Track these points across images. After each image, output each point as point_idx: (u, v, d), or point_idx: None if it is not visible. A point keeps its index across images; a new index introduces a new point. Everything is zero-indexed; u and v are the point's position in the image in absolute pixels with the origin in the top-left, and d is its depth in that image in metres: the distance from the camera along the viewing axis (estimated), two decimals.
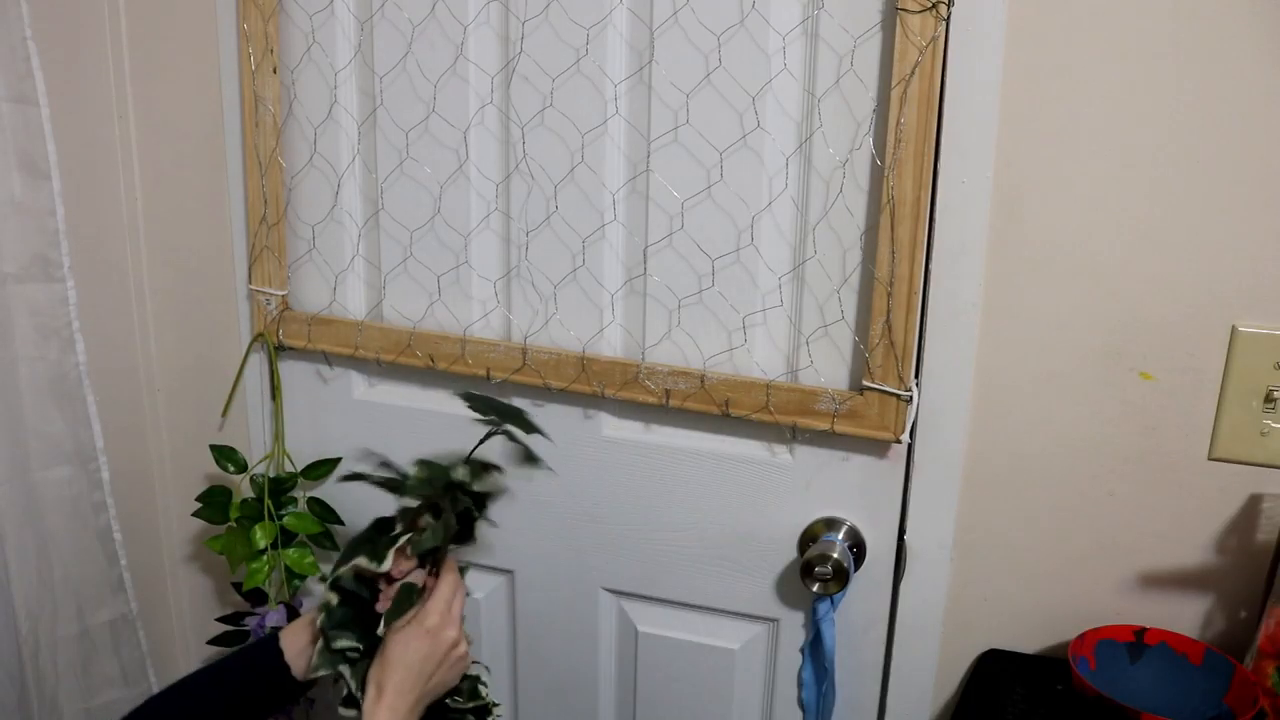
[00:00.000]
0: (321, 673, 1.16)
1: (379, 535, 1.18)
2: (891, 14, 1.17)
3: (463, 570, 1.24)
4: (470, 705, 1.24)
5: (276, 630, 1.21)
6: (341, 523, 1.58)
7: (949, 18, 1.15)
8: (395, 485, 1.19)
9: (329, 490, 1.61)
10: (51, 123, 1.47)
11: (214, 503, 1.58)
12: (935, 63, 1.16)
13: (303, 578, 1.59)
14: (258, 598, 1.59)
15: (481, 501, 1.22)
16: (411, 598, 1.16)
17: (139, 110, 1.61)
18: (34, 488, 1.50)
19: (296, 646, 1.19)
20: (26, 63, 1.43)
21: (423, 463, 1.20)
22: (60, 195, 1.49)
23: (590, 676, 1.58)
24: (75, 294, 1.53)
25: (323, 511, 1.59)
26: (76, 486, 1.57)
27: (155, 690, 1.70)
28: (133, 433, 1.70)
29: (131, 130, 1.61)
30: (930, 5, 1.14)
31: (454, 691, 1.22)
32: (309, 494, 1.61)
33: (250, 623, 1.59)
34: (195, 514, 1.58)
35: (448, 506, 1.18)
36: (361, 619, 1.17)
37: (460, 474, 1.20)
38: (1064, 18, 1.17)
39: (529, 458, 1.24)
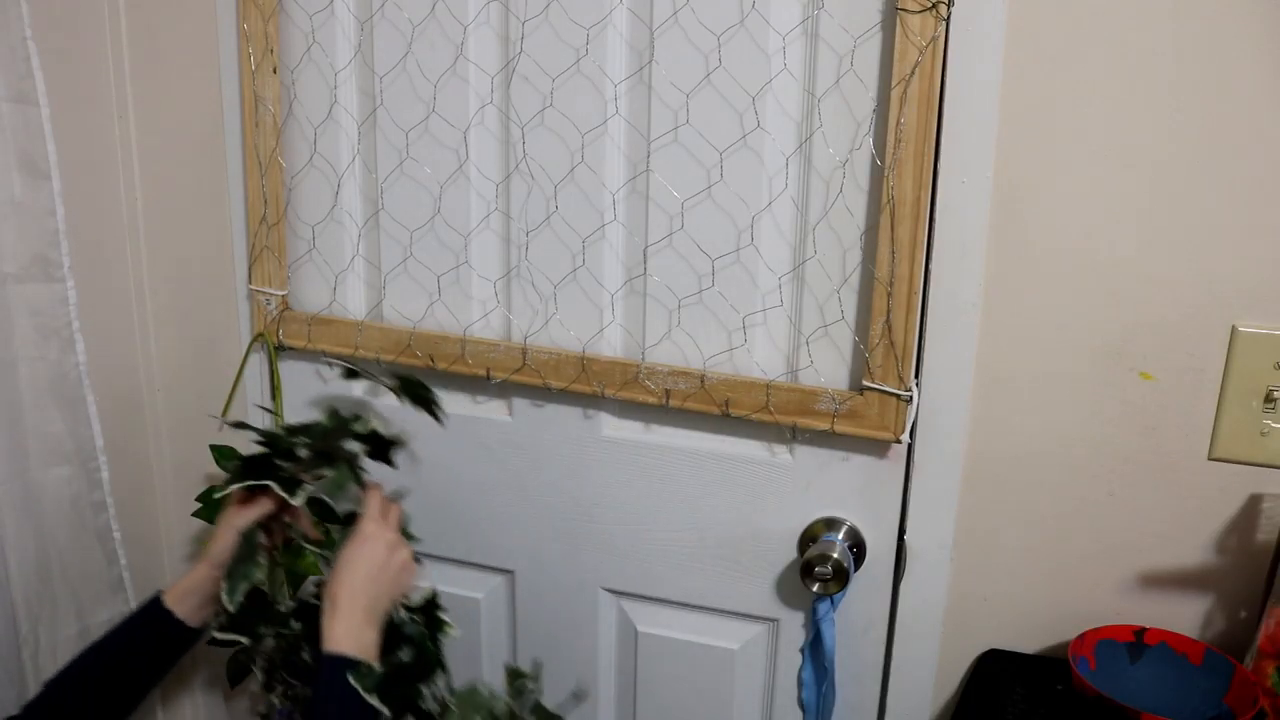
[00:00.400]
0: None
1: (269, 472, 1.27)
2: (891, 14, 1.17)
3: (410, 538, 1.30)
4: (416, 604, 1.29)
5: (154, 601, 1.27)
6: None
7: (949, 18, 1.15)
8: (277, 440, 1.28)
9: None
10: (51, 123, 1.47)
11: (214, 503, 1.57)
12: (935, 63, 1.15)
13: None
14: None
15: (383, 447, 1.31)
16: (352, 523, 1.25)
17: (139, 110, 1.61)
18: (33, 487, 1.50)
19: (189, 605, 1.25)
20: (26, 63, 1.43)
21: (331, 412, 1.31)
22: (60, 195, 1.49)
23: (590, 676, 1.58)
24: (75, 294, 1.53)
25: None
26: (76, 486, 1.57)
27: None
28: (133, 432, 1.70)
29: (132, 130, 1.62)
30: (930, 5, 1.14)
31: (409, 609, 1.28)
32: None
33: None
34: (195, 514, 1.58)
35: (342, 454, 1.27)
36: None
37: (360, 424, 1.29)
38: (1064, 18, 1.17)
39: (431, 409, 1.35)
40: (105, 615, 1.63)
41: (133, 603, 1.68)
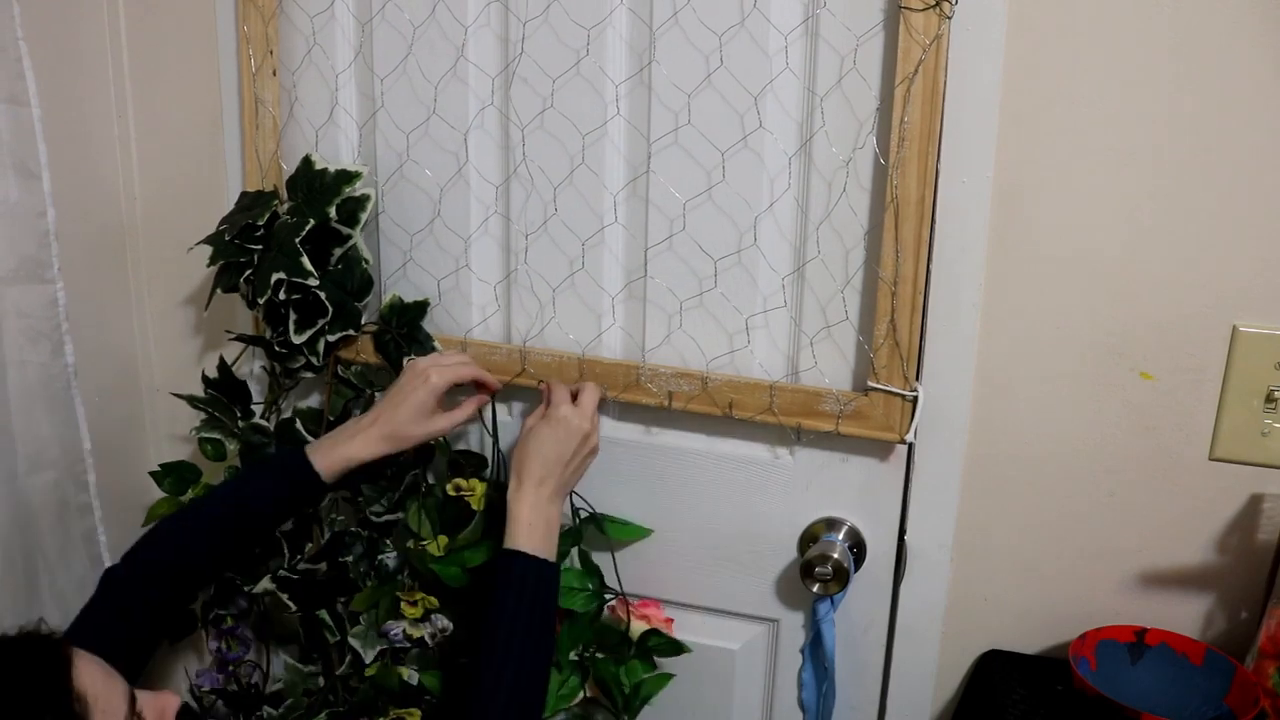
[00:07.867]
0: None
1: None
2: (894, 12, 1.17)
3: None
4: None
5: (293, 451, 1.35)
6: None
7: (952, 16, 1.15)
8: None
9: None
10: (43, 123, 1.45)
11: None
12: (939, 61, 1.16)
13: None
14: None
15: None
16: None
17: (138, 111, 1.60)
18: (21, 493, 1.48)
19: (327, 461, 1.31)
20: (18, 63, 1.42)
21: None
22: (51, 196, 1.47)
23: None
24: (65, 296, 1.51)
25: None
26: (63, 490, 1.55)
27: None
28: (128, 436, 1.69)
29: (131, 130, 1.61)
30: (934, 3, 1.14)
31: None
32: None
33: None
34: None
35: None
36: None
37: None
38: (1064, 18, 1.17)
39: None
40: None
41: None
